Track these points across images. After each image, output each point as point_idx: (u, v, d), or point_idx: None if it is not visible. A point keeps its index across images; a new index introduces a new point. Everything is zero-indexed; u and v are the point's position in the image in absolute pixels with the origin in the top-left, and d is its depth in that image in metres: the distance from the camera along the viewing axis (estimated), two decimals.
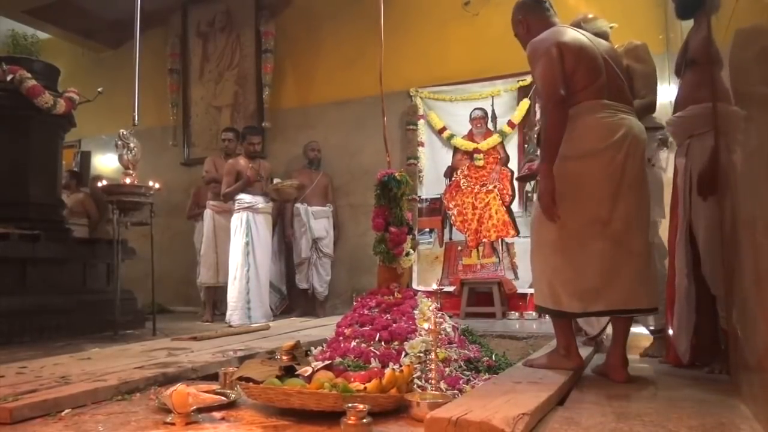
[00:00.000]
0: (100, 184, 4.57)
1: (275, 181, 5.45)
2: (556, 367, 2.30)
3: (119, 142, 4.45)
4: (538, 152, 3.40)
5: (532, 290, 5.03)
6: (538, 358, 2.48)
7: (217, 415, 1.88)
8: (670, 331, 2.58)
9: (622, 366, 2.29)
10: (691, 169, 2.44)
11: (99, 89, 4.84)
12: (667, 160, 3.11)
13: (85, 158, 7.75)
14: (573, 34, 2.33)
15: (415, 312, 2.81)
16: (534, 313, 5.09)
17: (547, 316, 4.95)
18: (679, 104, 2.52)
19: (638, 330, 3.06)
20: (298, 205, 5.85)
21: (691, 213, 2.44)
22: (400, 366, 2.33)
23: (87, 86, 5.09)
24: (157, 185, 4.54)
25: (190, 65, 7.32)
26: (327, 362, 2.24)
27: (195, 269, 6.19)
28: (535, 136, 3.43)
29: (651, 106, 2.88)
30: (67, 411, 1.92)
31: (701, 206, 2.38)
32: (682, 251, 2.47)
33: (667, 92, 3.78)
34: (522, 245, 5.38)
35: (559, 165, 2.22)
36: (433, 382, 2.12)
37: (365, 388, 1.90)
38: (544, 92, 2.25)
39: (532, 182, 4.43)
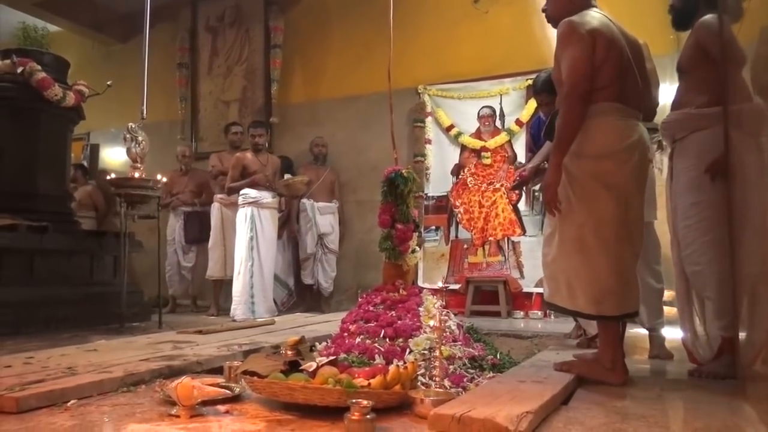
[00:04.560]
0: (108, 178, 4.59)
1: (285, 176, 5.45)
2: (598, 379, 2.19)
3: (127, 136, 4.46)
4: (526, 163, 3.45)
5: (537, 289, 5.08)
6: (574, 364, 2.33)
7: (221, 408, 1.88)
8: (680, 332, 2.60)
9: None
10: (673, 171, 2.52)
11: (108, 82, 4.85)
12: (661, 162, 3.16)
13: (94, 151, 7.78)
14: (609, 26, 2.24)
15: (420, 309, 2.81)
16: (539, 313, 5.09)
17: (552, 315, 4.97)
18: (671, 110, 2.62)
19: (643, 331, 3.05)
20: (304, 200, 5.86)
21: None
22: (404, 363, 2.32)
23: (96, 79, 5.12)
24: (164, 179, 4.55)
25: (198, 60, 7.33)
26: (331, 358, 2.23)
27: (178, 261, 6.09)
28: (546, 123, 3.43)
29: (656, 107, 2.90)
30: (73, 401, 1.93)
31: (680, 207, 2.45)
32: (674, 252, 2.54)
33: (668, 93, 3.76)
34: (528, 244, 5.37)
35: (575, 163, 2.19)
36: (437, 379, 2.12)
37: (369, 384, 1.90)
38: (570, 81, 2.14)
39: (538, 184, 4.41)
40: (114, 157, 7.75)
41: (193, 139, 7.21)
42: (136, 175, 4.38)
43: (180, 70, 7.24)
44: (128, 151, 4.48)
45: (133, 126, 4.49)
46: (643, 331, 3.03)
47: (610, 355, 2.21)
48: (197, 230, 5.99)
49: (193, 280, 6.08)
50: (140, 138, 4.48)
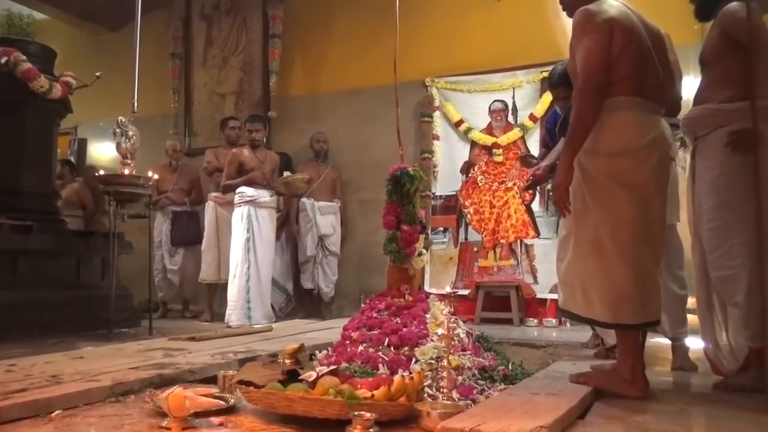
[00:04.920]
0: (96, 174, 4.61)
1: (284, 174, 5.46)
2: (616, 391, 2.18)
3: (117, 130, 4.47)
4: (541, 161, 3.44)
5: (552, 295, 5.07)
6: (591, 375, 2.33)
7: (215, 420, 1.88)
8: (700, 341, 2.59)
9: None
10: (695, 170, 2.51)
11: (97, 74, 4.86)
12: (684, 160, 3.16)
13: (81, 146, 7.80)
14: (629, 15, 2.24)
15: (427, 316, 2.81)
16: (554, 320, 5.07)
17: (568, 323, 4.95)
18: (693, 105, 2.61)
19: (665, 340, 3.04)
20: (304, 200, 5.86)
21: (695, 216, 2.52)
22: (410, 373, 2.32)
23: (84, 70, 5.12)
24: (156, 176, 4.56)
25: (193, 50, 7.34)
26: (332, 367, 2.23)
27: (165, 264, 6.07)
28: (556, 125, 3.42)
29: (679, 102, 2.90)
30: (57, 412, 1.94)
31: (704, 208, 2.44)
32: (695, 256, 2.53)
33: (693, 87, 3.75)
34: (542, 247, 5.36)
35: (590, 161, 2.19)
36: (444, 391, 2.12)
37: (372, 395, 1.90)
38: (585, 73, 2.14)
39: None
40: (103, 152, 7.77)
41: (186, 134, 7.22)
42: (126, 171, 4.39)
43: (173, 61, 7.25)
44: (118, 146, 4.49)
45: (123, 120, 4.50)
46: (666, 341, 3.02)
47: (630, 367, 2.19)
48: (185, 231, 5.98)
49: (183, 284, 6.07)
50: (131, 133, 4.49)
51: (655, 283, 2.24)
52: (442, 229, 5.85)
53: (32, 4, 6.90)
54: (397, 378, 2.04)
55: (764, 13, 2.31)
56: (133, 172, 4.42)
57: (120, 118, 4.52)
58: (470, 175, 5.79)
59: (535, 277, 5.38)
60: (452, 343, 2.35)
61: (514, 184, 5.57)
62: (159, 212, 6.08)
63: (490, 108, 5.73)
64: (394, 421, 1.86)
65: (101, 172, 4.61)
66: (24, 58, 4.54)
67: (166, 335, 4.05)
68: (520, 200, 5.52)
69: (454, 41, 5.92)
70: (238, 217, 5.15)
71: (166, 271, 6.04)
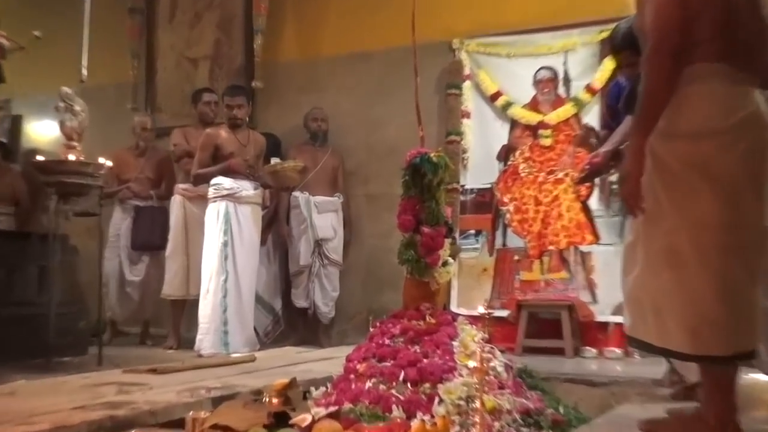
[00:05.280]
0: (34, 160, 4.63)
1: (272, 161, 5.45)
2: None
3: (61, 105, 4.49)
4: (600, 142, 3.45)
5: (615, 318, 5.03)
6: (668, 423, 2.33)
7: None
8: None
9: None
10: None
11: (36, 33, 4.89)
12: None
13: (15, 124, 7.86)
14: None
15: (454, 344, 2.81)
16: (618, 350, 5.04)
17: (637, 354, 4.92)
18: None
19: (764, 377, 3.01)
20: (296, 194, 5.86)
21: None
22: (433, 417, 2.32)
23: (20, 30, 5.15)
24: (109, 163, 4.57)
25: (157, 3, 7.39)
26: (332, 409, 2.23)
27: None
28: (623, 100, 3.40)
29: None
30: None
31: None
32: None
33: None
34: (603, 255, 5.33)
35: (664, 145, 2.18)
36: None
37: None
38: (657, 33, 2.15)
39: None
40: (42, 132, 7.83)
41: (147, 109, 7.24)
42: (72, 157, 4.41)
43: (132, 18, 7.29)
44: (61, 124, 4.52)
45: (69, 91, 4.52)
46: (766, 378, 2.99)
47: (718, 411, 2.18)
48: (148, 233, 5.95)
49: (143, 301, 6.06)
50: (77, 108, 4.51)
51: (750, 303, 2.20)
52: (473, 231, 5.84)
53: None
54: (415, 423, 2.04)
55: None
56: (81, 158, 4.43)
57: (64, 89, 4.54)
58: (510, 162, 5.77)
59: (593, 295, 5.35)
60: (487, 378, 2.34)
61: (567, 175, 5.53)
62: (118, 207, 6.09)
63: (535, 77, 5.72)
64: None
65: (40, 158, 4.63)
66: None
67: (120, 366, 4.06)
68: (575, 195, 5.49)
69: None
70: (213, 215, 5.15)
71: (124, 282, 6.01)
